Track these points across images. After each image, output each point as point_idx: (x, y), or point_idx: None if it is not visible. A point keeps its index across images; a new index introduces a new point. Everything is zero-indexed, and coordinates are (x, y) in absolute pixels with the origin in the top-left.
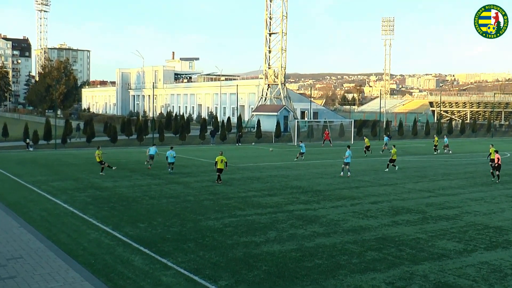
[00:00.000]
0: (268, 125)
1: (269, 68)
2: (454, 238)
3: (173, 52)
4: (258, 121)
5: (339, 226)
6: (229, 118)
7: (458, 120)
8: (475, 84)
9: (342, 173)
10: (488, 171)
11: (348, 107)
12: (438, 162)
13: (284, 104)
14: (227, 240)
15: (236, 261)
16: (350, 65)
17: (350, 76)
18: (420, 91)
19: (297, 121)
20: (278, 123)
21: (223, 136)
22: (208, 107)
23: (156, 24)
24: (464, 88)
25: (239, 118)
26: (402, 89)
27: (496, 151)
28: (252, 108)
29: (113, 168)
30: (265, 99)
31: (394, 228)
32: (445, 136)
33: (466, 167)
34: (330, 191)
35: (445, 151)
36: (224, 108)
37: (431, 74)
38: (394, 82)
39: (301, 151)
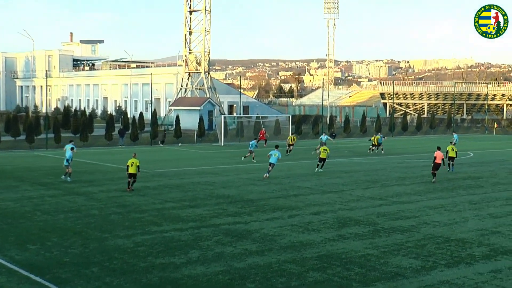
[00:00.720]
0: (189, 122)
1: (189, 53)
2: (411, 254)
3: (71, 33)
4: (177, 118)
5: (275, 242)
6: (141, 114)
7: (414, 115)
8: (433, 72)
9: (266, 174)
10: (449, 173)
11: (285, 99)
12: (391, 164)
13: (208, 96)
14: (140, 262)
15: None
16: (287, 50)
17: (287, 63)
18: (370, 80)
19: (224, 117)
20: (201, 120)
21: (134, 136)
22: (115, 101)
23: None
24: (420, 76)
25: (154, 114)
26: (348, 78)
27: (439, 148)
28: (169, 102)
29: None
30: (185, 91)
31: (340, 243)
32: (379, 133)
33: (423, 169)
34: (264, 200)
35: (376, 150)
36: (136, 101)
37: (382, 60)
38: (339, 70)
39: (250, 148)
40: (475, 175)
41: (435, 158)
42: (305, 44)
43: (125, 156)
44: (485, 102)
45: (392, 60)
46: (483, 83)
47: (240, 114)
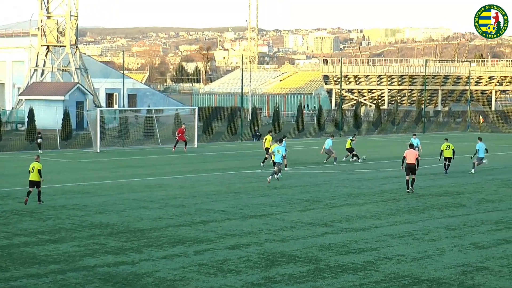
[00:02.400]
0: (49, 118)
1: (48, 17)
2: None
3: None
4: (31, 112)
5: None
6: None
7: (370, 106)
8: (396, 45)
9: None
10: (419, 187)
11: (188, 85)
12: (339, 175)
13: (76, 81)
14: None
15: None
16: (191, 14)
17: (191, 33)
18: (309, 57)
19: (100, 111)
20: (66, 115)
21: None
22: None
23: None
24: (379, 52)
25: None
26: (278, 54)
27: (412, 145)
28: (19, 89)
29: None
30: (42, 73)
31: None
32: (330, 135)
33: (383, 182)
34: (159, 230)
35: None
36: None
37: (325, 30)
38: (266, 43)
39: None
40: (454, 189)
41: (404, 158)
42: (217, 6)
43: None
44: (467, 87)
45: (339, 29)
46: (465, 61)
47: (123, 106)
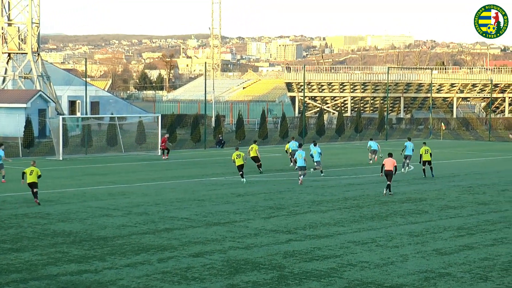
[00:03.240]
0: (10, 125)
1: (9, 24)
2: None
3: None
4: None
5: None
6: None
7: (333, 113)
8: (358, 53)
9: None
10: (383, 195)
11: (151, 92)
12: (303, 183)
13: (39, 88)
14: None
15: None
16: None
17: (154, 40)
18: (272, 64)
19: (63, 118)
20: (28, 123)
21: None
22: None
23: None
24: (341, 59)
25: None
26: (242, 61)
27: (390, 154)
28: None
29: None
30: (3, 81)
31: None
32: (292, 138)
33: (347, 189)
34: (122, 238)
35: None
36: None
37: (288, 37)
38: (229, 50)
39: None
40: (416, 196)
41: (383, 165)
42: (180, 13)
43: None
44: (429, 95)
45: (302, 36)
46: (426, 68)
47: (86, 114)
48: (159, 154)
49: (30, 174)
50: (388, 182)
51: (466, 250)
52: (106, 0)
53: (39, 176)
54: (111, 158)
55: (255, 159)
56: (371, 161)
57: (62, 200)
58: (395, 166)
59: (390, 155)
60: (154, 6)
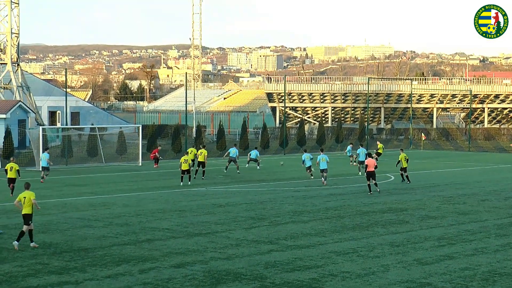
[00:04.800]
0: None
1: None
2: None
3: None
4: None
5: None
6: None
7: (314, 123)
8: (338, 63)
9: None
10: (362, 205)
11: (132, 103)
12: (284, 193)
13: (18, 99)
14: None
15: None
16: (134, 32)
17: (135, 51)
18: (253, 75)
19: (43, 129)
20: (8, 133)
21: None
22: None
23: None
24: (322, 70)
25: None
26: (222, 72)
27: (369, 154)
28: None
29: None
30: None
31: None
32: (255, 148)
33: (328, 200)
34: (103, 249)
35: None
36: None
37: (269, 48)
38: (210, 61)
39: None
40: (397, 206)
41: (366, 166)
42: (160, 24)
43: None
44: (409, 105)
45: (282, 47)
46: (406, 79)
47: (66, 124)
48: (140, 164)
49: (10, 170)
50: (374, 182)
51: (446, 260)
52: (86, 10)
53: (17, 171)
54: (91, 168)
55: (202, 164)
56: (360, 173)
57: (43, 211)
58: (376, 166)
59: (369, 155)
60: (134, 17)
